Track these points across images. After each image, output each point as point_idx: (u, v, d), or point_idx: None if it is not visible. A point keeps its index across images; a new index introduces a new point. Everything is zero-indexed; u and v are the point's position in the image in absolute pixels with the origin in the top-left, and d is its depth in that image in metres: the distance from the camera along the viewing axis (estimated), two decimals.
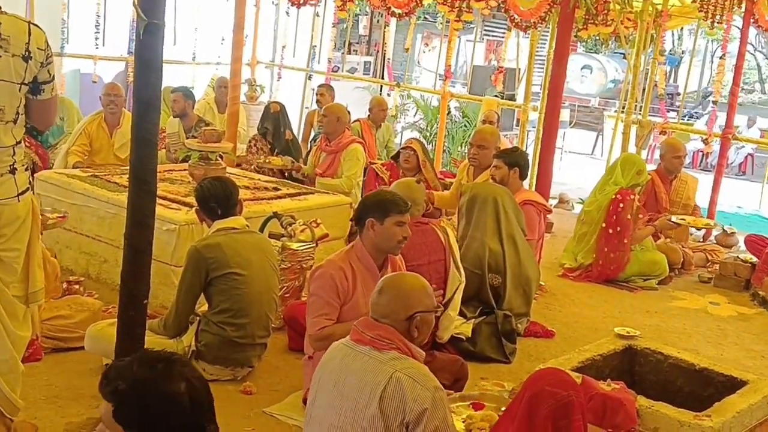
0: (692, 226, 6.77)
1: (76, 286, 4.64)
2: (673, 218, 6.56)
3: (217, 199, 4.07)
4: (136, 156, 3.41)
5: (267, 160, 6.90)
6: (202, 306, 4.07)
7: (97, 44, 9.16)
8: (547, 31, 9.14)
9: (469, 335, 4.52)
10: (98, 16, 9.12)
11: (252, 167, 6.93)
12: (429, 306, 2.83)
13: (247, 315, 3.93)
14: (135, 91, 3.42)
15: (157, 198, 3.47)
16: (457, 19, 7.88)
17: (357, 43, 15.29)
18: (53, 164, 6.62)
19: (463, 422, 3.26)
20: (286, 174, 6.83)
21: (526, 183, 6.10)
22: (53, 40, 9.76)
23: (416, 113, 12.87)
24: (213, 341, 3.90)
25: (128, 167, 3.51)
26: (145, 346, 3.58)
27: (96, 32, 9.13)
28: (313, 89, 10.47)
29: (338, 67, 11.34)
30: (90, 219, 5.21)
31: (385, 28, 12.56)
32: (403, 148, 6.60)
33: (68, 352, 4.08)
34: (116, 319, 3.60)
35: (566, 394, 2.72)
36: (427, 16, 13.91)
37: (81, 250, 5.29)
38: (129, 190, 3.41)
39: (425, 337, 2.84)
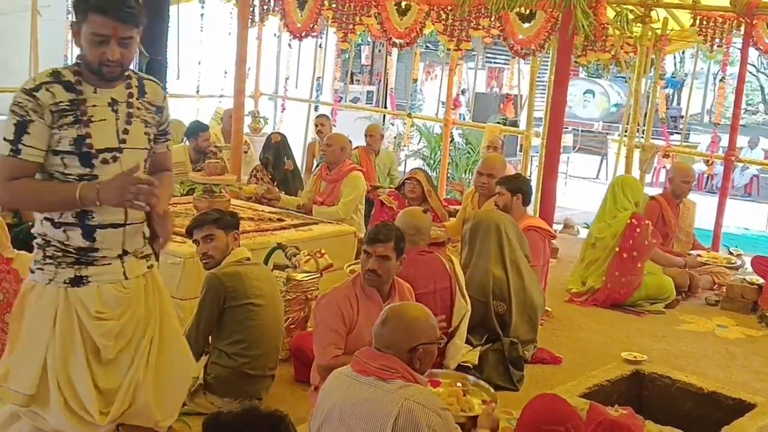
0: (718, 265, 6.87)
1: None
2: (694, 254, 6.83)
3: None
4: None
5: (239, 187, 6.88)
6: None
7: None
8: (548, 57, 9.19)
9: (476, 363, 4.50)
10: None
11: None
12: (432, 338, 2.84)
13: (261, 346, 3.93)
14: None
15: None
16: (457, 48, 7.94)
17: (359, 73, 15.39)
18: None
19: None
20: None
21: (530, 209, 6.10)
22: None
23: (420, 141, 12.93)
24: (223, 374, 3.88)
25: None
26: None
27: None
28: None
29: (341, 98, 11.43)
30: None
31: (387, 57, 12.66)
32: (407, 179, 6.61)
33: None
34: None
35: (563, 429, 2.71)
36: (428, 45, 13.99)
37: None
38: None
39: (428, 367, 2.85)
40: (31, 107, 2.53)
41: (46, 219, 2.66)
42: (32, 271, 2.75)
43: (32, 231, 2.74)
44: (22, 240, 5.22)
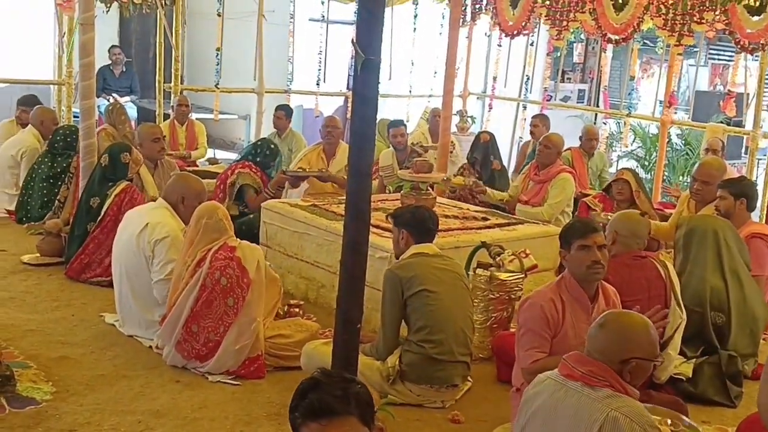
0: None
1: (296, 309, 4.90)
2: None
3: (434, 223, 4.27)
4: (351, 186, 3.56)
5: (447, 178, 6.90)
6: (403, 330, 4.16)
7: (318, 81, 9.71)
8: None
9: (690, 376, 4.27)
10: (320, 54, 9.67)
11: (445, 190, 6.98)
12: (649, 354, 2.68)
13: (443, 330, 4.00)
14: (351, 125, 3.58)
15: (370, 226, 3.61)
16: (678, 43, 7.55)
17: (570, 70, 15.01)
18: None
19: None
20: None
21: (755, 215, 5.67)
22: (280, 77, 10.46)
23: (633, 141, 12.40)
24: (414, 360, 3.98)
25: (344, 197, 3.68)
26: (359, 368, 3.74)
27: (318, 69, 9.68)
28: (525, 119, 10.43)
29: (551, 96, 11.22)
30: (309, 246, 5.49)
31: (601, 54, 12.24)
32: (614, 181, 6.40)
33: (288, 371, 4.29)
34: (331, 340, 3.78)
35: None
36: (646, 41, 13.39)
37: (301, 275, 5.58)
38: (345, 219, 3.56)
39: (638, 382, 2.71)
40: None
41: None
42: None
43: None
44: (245, 231, 5.65)
